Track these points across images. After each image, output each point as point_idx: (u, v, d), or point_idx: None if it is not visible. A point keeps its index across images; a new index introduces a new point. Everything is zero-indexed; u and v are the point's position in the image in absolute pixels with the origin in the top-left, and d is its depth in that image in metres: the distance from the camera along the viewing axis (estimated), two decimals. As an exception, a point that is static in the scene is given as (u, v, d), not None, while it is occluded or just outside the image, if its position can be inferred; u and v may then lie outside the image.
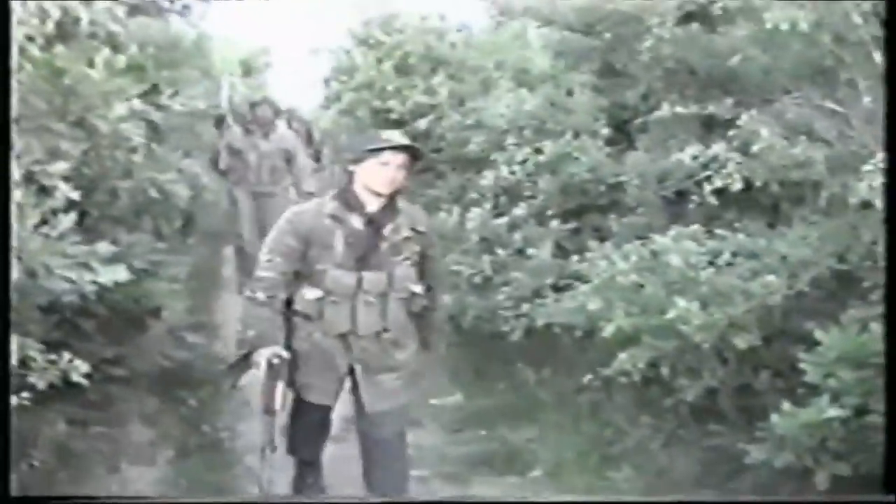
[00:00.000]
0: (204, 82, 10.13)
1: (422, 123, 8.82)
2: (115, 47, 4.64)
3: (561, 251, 6.33)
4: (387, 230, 4.44)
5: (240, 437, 5.97)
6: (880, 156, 3.83)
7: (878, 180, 3.85)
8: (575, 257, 5.65)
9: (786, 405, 3.96)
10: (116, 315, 5.86)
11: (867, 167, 3.87)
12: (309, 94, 14.22)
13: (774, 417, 3.98)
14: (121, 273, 4.10)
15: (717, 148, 4.52)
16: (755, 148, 4.39)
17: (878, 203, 3.98)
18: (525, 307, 5.95)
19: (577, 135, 6.68)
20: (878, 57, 4.49)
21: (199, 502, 5.26)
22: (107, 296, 5.40)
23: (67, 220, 3.83)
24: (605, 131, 6.81)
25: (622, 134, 6.97)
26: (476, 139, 7.53)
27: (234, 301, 8.93)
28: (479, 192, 7.36)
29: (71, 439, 5.33)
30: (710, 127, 5.34)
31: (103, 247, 4.04)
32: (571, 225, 6.52)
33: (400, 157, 4.38)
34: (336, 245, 4.39)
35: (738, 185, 4.51)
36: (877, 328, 3.96)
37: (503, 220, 6.80)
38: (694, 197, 4.84)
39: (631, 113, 6.96)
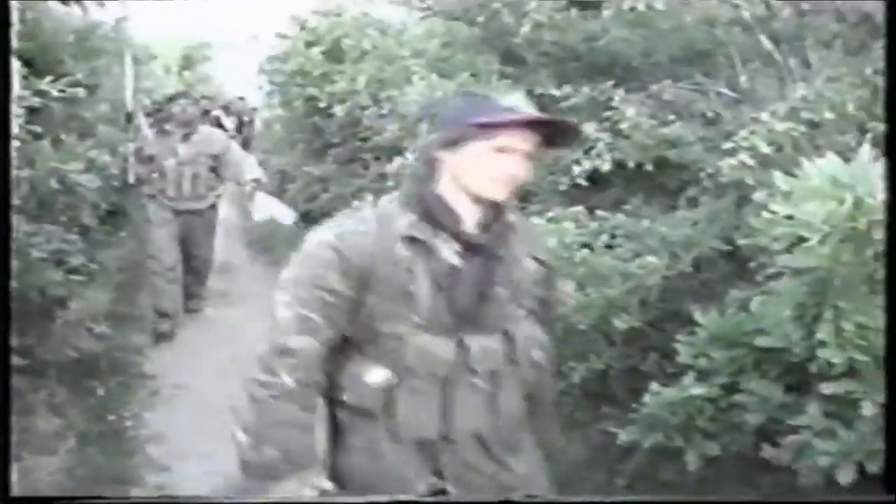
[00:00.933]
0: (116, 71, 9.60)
1: (339, 110, 8.80)
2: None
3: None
4: (502, 263, 2.69)
5: (144, 426, 5.97)
6: (743, 132, 3.85)
7: (743, 159, 3.88)
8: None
9: (654, 385, 3.98)
10: (20, 304, 5.85)
11: (728, 144, 3.89)
12: (251, 84, 13.83)
13: (646, 398, 4.01)
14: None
15: (588, 128, 4.49)
16: (623, 126, 4.39)
17: (750, 181, 4.02)
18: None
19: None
20: (763, 40, 4.54)
21: (199, 502, 5.26)
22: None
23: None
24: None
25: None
26: (391, 127, 7.53)
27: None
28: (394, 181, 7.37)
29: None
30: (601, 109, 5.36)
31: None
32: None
33: (529, 140, 2.56)
34: (419, 289, 2.59)
35: (607, 166, 4.51)
36: (756, 307, 3.99)
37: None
38: (564, 180, 4.83)
39: (546, 100, 6.99)
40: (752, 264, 4.51)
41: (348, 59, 9.52)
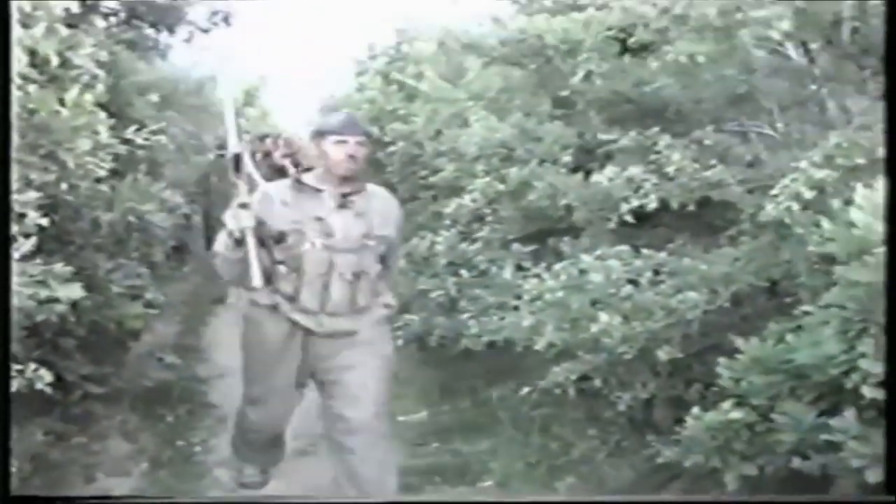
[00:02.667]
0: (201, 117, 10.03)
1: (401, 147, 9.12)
2: (87, 87, 4.96)
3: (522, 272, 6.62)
4: None
5: (211, 452, 6.29)
6: (785, 180, 4.13)
7: (787, 203, 4.15)
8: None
9: (695, 409, 4.24)
10: (95, 335, 6.23)
11: (774, 191, 4.17)
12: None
13: (687, 421, 4.28)
14: (76, 291, 4.38)
15: (634, 170, 4.81)
16: (669, 170, 4.70)
17: (788, 222, 4.28)
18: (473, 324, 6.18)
19: (541, 162, 6.97)
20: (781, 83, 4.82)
21: (199, 502, 5.57)
22: (84, 317, 5.79)
23: (28, 243, 4.14)
24: (568, 158, 7.09)
25: (587, 162, 7.27)
26: (449, 167, 7.81)
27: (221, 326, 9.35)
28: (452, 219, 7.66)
29: (51, 450, 5.69)
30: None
31: (59, 267, 4.35)
32: (531, 247, 6.81)
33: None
34: None
35: (653, 205, 4.80)
36: (791, 338, 4.24)
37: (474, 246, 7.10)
38: (612, 217, 5.12)
39: (595, 141, 7.28)
40: (787, 300, 4.78)
41: (412, 99, 9.80)
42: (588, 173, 6.50)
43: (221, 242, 4.54)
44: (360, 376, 4.68)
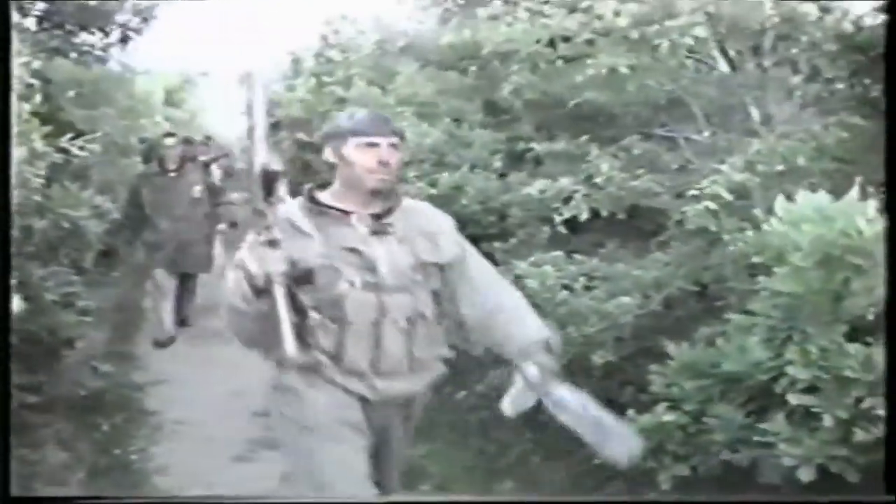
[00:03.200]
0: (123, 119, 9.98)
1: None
2: (23, 97, 4.95)
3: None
4: None
5: (150, 460, 6.28)
6: (705, 182, 4.26)
7: (706, 203, 4.28)
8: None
9: (629, 412, 4.35)
10: (30, 344, 6.18)
11: (693, 191, 4.30)
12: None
13: (620, 424, 4.38)
14: (15, 303, 4.36)
15: (564, 181, 4.91)
16: (597, 179, 4.81)
17: (713, 228, 4.42)
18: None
19: (472, 167, 7.06)
20: (708, 90, 4.97)
21: (198, 502, 5.55)
22: (18, 326, 5.75)
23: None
24: (499, 164, 7.20)
25: (517, 166, 7.38)
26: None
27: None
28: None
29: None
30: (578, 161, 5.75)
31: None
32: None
33: None
34: None
35: (584, 215, 4.91)
36: (721, 343, 4.37)
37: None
38: (546, 227, 5.23)
39: (524, 146, 7.39)
40: (717, 303, 4.92)
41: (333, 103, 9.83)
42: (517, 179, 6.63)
43: (236, 291, 3.33)
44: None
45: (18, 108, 4.89)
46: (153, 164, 8.83)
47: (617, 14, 4.39)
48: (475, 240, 6.92)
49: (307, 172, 10.57)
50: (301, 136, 10.10)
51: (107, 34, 9.11)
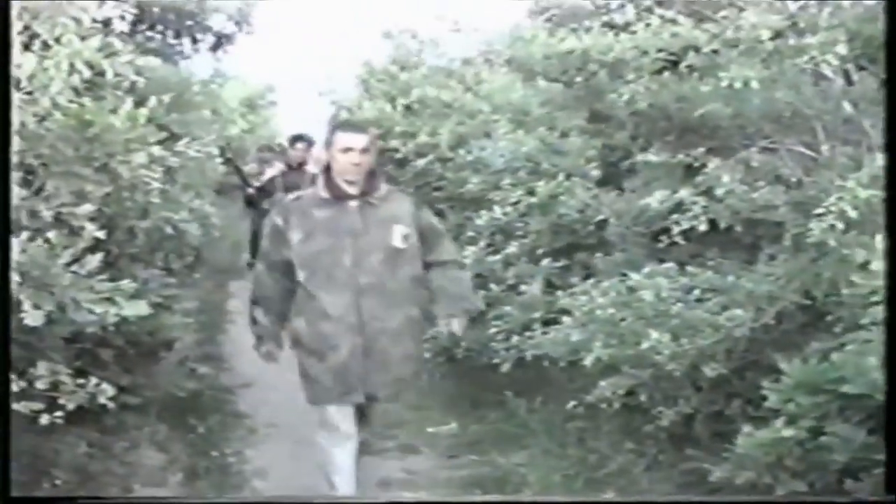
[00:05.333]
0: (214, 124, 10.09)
1: (421, 163, 9.16)
2: (139, 102, 5.01)
3: (550, 287, 6.70)
4: None
5: (247, 462, 6.33)
6: (831, 199, 4.21)
7: (832, 222, 4.24)
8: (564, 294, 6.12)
9: (746, 427, 4.32)
10: (132, 346, 6.26)
11: (819, 210, 4.25)
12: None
13: (738, 439, 4.36)
14: (142, 308, 4.41)
15: (684, 193, 4.90)
16: (719, 192, 4.79)
17: (831, 241, 4.37)
18: (514, 340, 6.25)
19: (569, 176, 7.05)
20: (846, 106, 4.91)
21: (198, 502, 5.61)
22: (124, 328, 5.82)
23: (95, 259, 4.19)
24: (595, 173, 7.18)
25: (615, 176, 7.36)
26: (474, 179, 7.89)
27: (240, 334, 9.42)
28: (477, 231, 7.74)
29: (90, 461, 5.71)
30: (692, 170, 5.71)
31: (126, 284, 4.39)
32: (562, 262, 6.89)
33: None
34: None
35: (703, 227, 4.89)
36: (836, 358, 4.33)
37: (497, 257, 7.17)
38: (663, 237, 5.21)
39: (621, 154, 7.37)
40: (829, 318, 4.86)
41: (427, 112, 9.84)
42: (620, 189, 6.60)
43: None
44: None
45: (134, 112, 4.96)
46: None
47: (754, 27, 4.36)
48: (573, 249, 7.02)
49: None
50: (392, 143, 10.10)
51: (199, 40, 9.21)
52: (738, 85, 4.48)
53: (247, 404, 7.50)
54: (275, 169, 8.89)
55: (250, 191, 10.15)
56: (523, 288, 6.74)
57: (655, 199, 5.00)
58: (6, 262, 3.67)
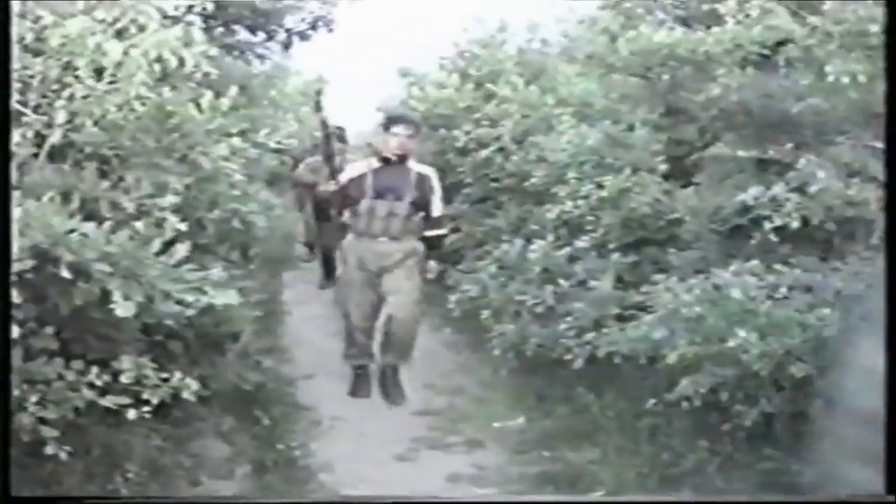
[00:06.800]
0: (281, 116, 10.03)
1: (483, 154, 9.10)
2: (218, 92, 4.98)
3: (621, 283, 6.64)
4: None
5: (312, 455, 6.30)
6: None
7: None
8: (635, 289, 6.06)
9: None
10: (199, 339, 6.24)
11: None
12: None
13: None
14: (233, 296, 4.36)
15: (777, 189, 4.82)
16: (812, 189, 4.71)
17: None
18: (588, 336, 6.20)
19: (635, 170, 6.98)
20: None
21: (196, 502, 5.58)
22: (195, 320, 5.80)
23: (183, 248, 4.17)
24: (663, 167, 7.11)
25: (679, 170, 7.28)
26: (538, 172, 7.83)
27: (297, 325, 9.44)
28: (540, 224, 7.69)
29: (159, 454, 5.69)
30: (764, 165, 5.63)
31: (216, 273, 4.37)
32: (631, 258, 6.82)
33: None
34: None
35: (795, 224, 4.82)
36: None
37: (565, 251, 7.11)
38: (755, 234, 5.14)
39: (687, 149, 7.29)
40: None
41: (494, 101, 9.75)
42: (688, 184, 6.52)
43: None
44: None
45: (215, 103, 4.94)
46: None
47: (862, 20, 4.27)
48: (643, 244, 6.95)
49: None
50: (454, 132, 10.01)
51: (272, 37, 9.20)
52: (845, 80, 4.39)
53: (309, 396, 7.47)
54: (362, 165, 7.56)
55: (332, 187, 7.74)
56: (592, 283, 6.68)
57: (750, 196, 4.91)
58: (6, 262, 3.64)
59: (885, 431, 3.50)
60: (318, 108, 7.97)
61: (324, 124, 7.68)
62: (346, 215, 7.57)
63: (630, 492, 5.48)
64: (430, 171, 7.56)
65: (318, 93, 8.49)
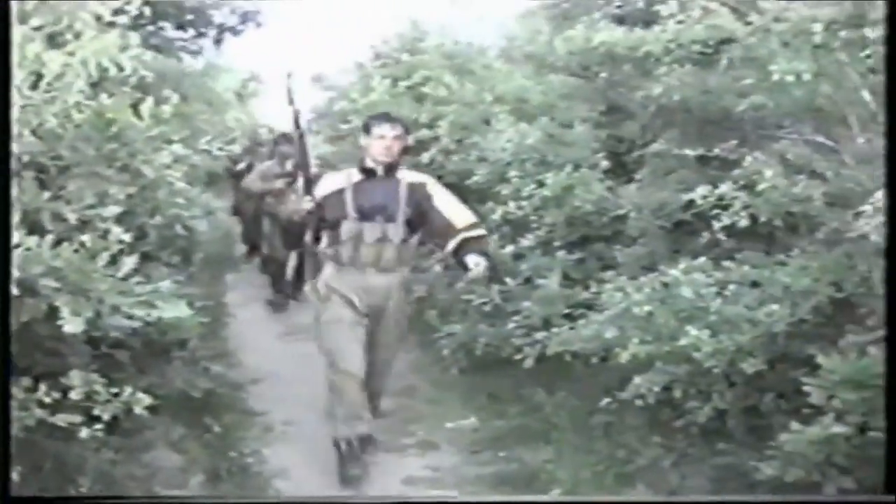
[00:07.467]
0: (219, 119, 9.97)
1: (425, 157, 9.04)
2: (157, 99, 4.91)
3: (568, 280, 6.65)
4: None
5: (265, 462, 6.24)
6: (878, 195, 4.16)
7: (878, 219, 4.19)
8: (582, 287, 6.09)
9: (794, 424, 4.29)
10: (146, 347, 6.16)
11: (865, 206, 4.21)
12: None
13: (783, 436, 4.32)
14: (183, 309, 4.31)
15: (725, 187, 4.85)
16: (760, 187, 4.75)
17: (873, 236, 4.33)
18: (538, 335, 6.21)
19: (577, 167, 6.98)
20: (866, 96, 4.86)
21: (196, 501, 5.53)
22: (140, 330, 5.72)
23: (130, 261, 4.11)
24: (605, 163, 7.13)
25: (620, 167, 7.31)
26: (479, 171, 7.81)
27: (241, 328, 9.36)
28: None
29: (112, 466, 5.61)
30: (706, 160, 5.67)
31: (165, 285, 4.31)
32: (577, 255, 6.84)
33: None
34: None
35: (744, 222, 4.86)
36: (875, 352, 4.30)
37: (509, 249, 7.09)
38: (702, 232, 5.19)
39: (628, 145, 7.33)
40: (862, 310, 4.83)
41: (429, 101, 9.71)
42: (630, 181, 6.55)
43: None
44: None
45: (156, 110, 4.87)
46: None
47: (804, 19, 4.30)
48: (588, 241, 6.97)
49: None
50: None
51: (203, 34, 9.13)
52: (789, 78, 4.42)
53: (260, 401, 7.40)
54: (340, 177, 6.09)
55: (307, 205, 6.12)
56: (539, 282, 6.68)
57: (698, 195, 4.93)
58: (6, 262, 3.58)
59: (885, 431, 3.55)
60: (290, 99, 6.07)
61: (296, 121, 6.13)
62: (324, 241, 6.09)
63: (586, 490, 5.49)
64: (425, 179, 6.19)
65: (289, 76, 6.14)
